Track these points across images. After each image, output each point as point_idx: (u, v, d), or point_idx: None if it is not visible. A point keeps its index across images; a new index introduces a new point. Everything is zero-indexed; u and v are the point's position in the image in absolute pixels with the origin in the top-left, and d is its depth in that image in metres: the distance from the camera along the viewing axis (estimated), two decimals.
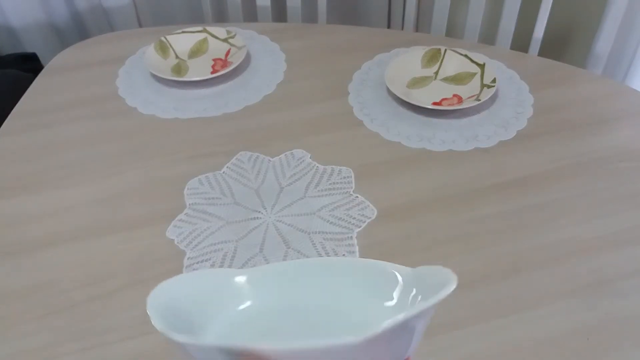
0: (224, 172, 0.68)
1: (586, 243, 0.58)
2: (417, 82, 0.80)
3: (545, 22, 1.04)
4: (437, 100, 0.77)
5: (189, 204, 0.64)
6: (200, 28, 0.91)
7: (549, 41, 1.11)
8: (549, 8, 1.02)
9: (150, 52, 0.86)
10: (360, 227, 0.61)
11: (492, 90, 0.75)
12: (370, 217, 0.62)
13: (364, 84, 0.82)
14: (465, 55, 0.81)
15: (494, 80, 0.76)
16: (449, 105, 0.75)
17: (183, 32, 0.90)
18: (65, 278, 0.57)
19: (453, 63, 0.82)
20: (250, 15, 1.25)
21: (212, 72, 0.83)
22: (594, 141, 0.71)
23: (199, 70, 0.85)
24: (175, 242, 0.60)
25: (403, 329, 0.26)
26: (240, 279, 0.33)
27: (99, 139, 0.75)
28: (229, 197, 0.65)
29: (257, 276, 0.32)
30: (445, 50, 0.83)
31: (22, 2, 1.18)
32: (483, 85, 0.77)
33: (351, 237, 0.60)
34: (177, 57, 0.88)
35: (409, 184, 0.66)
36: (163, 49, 0.87)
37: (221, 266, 0.57)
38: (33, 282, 0.57)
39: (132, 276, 0.57)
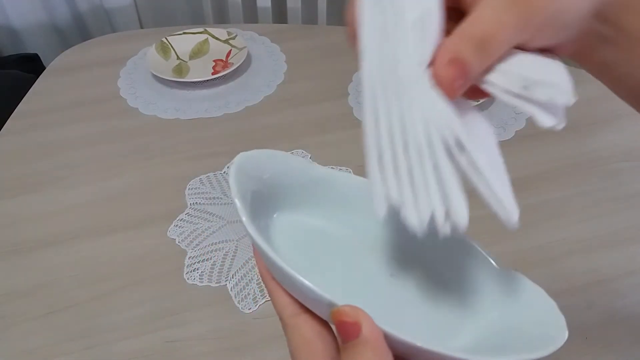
0: (224, 172, 0.68)
1: (584, 242, 0.59)
2: None
3: None
4: None
5: (190, 204, 0.64)
6: (201, 29, 0.91)
7: None
8: None
9: (151, 53, 0.86)
10: None
11: None
12: None
13: None
14: None
15: None
16: None
17: (184, 33, 0.90)
18: (65, 278, 0.58)
19: None
20: (251, 16, 1.25)
21: (212, 73, 0.83)
22: (593, 141, 0.71)
23: (199, 71, 0.85)
24: (177, 242, 0.60)
25: None
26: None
27: (100, 140, 0.75)
28: (230, 197, 0.65)
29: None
30: None
31: (24, 3, 1.19)
32: None
33: None
34: (178, 58, 0.88)
35: None
36: (164, 49, 0.88)
37: (222, 266, 0.57)
38: (33, 282, 0.57)
39: (133, 276, 0.57)
